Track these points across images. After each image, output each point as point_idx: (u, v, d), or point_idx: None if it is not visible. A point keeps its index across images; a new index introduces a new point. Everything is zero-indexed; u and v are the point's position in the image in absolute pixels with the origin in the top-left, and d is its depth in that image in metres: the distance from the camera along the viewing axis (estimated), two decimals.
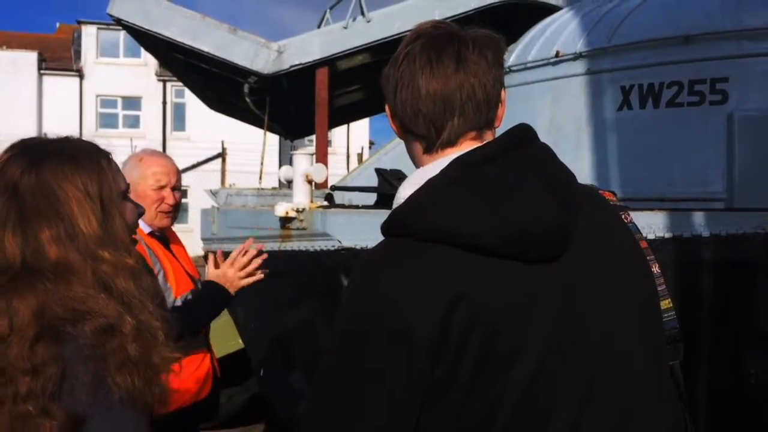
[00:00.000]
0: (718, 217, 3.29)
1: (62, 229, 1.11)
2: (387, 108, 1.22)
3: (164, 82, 24.99)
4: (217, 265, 2.50)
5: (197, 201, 14.29)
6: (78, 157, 1.19)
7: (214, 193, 5.95)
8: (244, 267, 2.45)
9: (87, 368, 1.02)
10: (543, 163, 1.12)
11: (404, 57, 1.15)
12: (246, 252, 2.47)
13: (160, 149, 23.92)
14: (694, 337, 2.93)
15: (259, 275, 2.48)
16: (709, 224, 3.22)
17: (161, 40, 6.14)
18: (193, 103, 15.82)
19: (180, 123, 25.59)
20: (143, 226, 2.51)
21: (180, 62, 6.88)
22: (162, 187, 2.54)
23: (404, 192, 1.13)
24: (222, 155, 16.16)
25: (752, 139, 3.91)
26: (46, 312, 1.03)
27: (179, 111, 25.51)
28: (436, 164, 1.12)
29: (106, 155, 1.25)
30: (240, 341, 4.68)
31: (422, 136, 1.16)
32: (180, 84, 15.77)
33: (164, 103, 25.42)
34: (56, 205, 1.12)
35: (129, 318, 1.08)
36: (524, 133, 1.16)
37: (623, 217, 1.24)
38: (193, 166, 20.87)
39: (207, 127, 21.13)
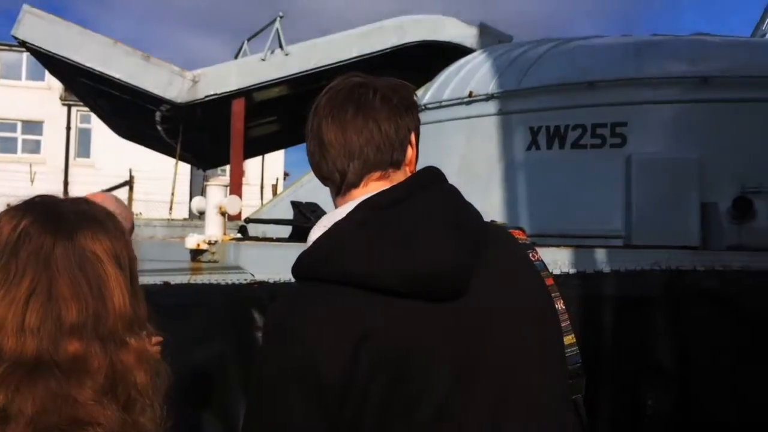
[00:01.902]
0: (618, 254, 3.47)
1: (91, 310, 0.94)
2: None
3: (69, 106, 23.96)
4: None
5: None
6: (104, 221, 1.01)
7: None
8: None
9: None
10: (448, 205, 1.17)
11: (314, 109, 1.24)
12: None
13: (62, 176, 22.99)
14: (596, 370, 3.05)
15: None
16: (610, 260, 3.39)
17: (69, 64, 5.92)
18: (99, 129, 15.31)
19: (85, 149, 24.54)
20: None
21: (88, 88, 6.65)
22: None
23: (314, 235, 1.16)
24: (129, 183, 15.56)
25: (648, 180, 4.16)
26: (42, 418, 0.87)
27: (84, 137, 24.48)
28: (345, 207, 1.16)
29: (115, 216, 1.07)
30: None
31: (331, 181, 1.23)
32: (86, 109, 15.20)
33: (68, 128, 24.33)
34: (92, 280, 0.95)
35: (129, 427, 0.94)
36: (431, 176, 1.21)
37: (531, 255, 1.29)
38: None
39: (113, 154, 20.35)
